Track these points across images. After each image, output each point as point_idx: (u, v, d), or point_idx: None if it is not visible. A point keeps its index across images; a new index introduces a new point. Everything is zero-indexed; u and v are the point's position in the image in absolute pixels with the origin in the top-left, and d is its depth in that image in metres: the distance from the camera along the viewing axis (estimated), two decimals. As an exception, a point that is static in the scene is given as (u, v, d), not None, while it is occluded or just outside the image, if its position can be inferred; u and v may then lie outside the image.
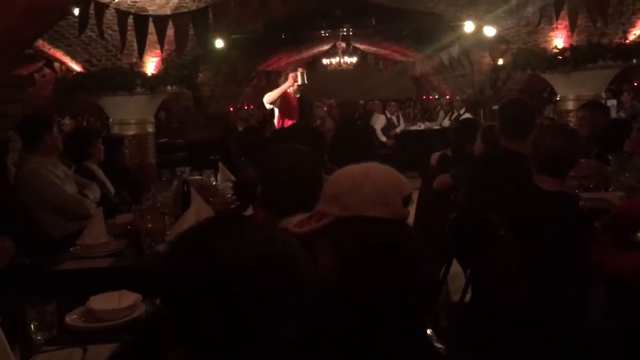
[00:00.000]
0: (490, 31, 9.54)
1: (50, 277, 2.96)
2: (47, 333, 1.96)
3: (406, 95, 14.37)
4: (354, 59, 13.02)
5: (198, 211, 3.21)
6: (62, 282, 2.92)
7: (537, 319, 2.33)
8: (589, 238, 2.34)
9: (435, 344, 1.31)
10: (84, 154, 4.17)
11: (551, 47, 7.28)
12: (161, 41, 5.60)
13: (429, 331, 1.33)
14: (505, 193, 2.73)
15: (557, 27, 7.03)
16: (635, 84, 13.03)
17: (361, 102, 13.92)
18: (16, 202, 3.34)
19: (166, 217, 3.37)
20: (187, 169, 4.37)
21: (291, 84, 6.58)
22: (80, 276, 2.95)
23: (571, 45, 7.10)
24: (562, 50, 7.14)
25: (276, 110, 7.91)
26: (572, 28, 6.43)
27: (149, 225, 3.12)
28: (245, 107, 11.95)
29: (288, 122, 6.77)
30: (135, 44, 5.89)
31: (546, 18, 7.13)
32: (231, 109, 11.61)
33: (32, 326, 1.93)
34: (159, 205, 3.37)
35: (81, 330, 1.99)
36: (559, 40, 7.24)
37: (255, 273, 0.77)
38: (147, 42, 5.85)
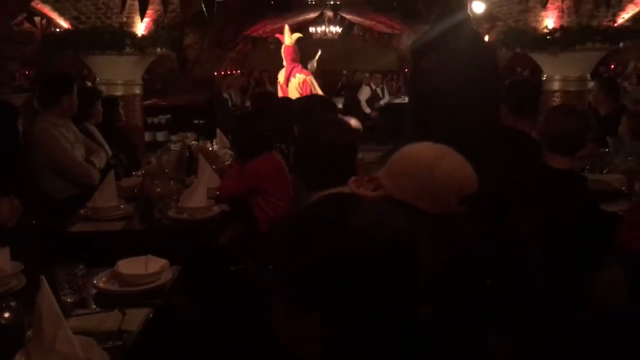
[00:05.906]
0: (479, 7, 9.55)
1: (58, 239, 2.94)
2: (77, 295, 1.97)
3: (390, 68, 14.33)
4: (340, 29, 12.90)
5: (209, 178, 3.21)
6: (70, 244, 2.90)
7: (544, 294, 2.41)
8: (596, 218, 2.42)
9: None
10: (85, 115, 4.06)
11: (542, 27, 7.34)
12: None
13: None
14: (515, 171, 2.78)
15: (548, 8, 7.09)
16: (612, 67, 13.23)
17: (344, 72, 13.85)
18: (24, 163, 3.27)
19: (171, 181, 3.39)
20: (190, 134, 4.34)
21: None
22: (89, 239, 2.94)
23: (561, 26, 7.17)
24: (553, 31, 7.20)
25: None
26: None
27: (158, 190, 3.12)
28: (229, 72, 11.79)
29: None
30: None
31: (538, -2, 7.19)
32: (216, 74, 11.45)
33: (62, 289, 1.94)
34: (167, 170, 3.36)
35: (114, 293, 1.99)
36: (549, 20, 7.30)
37: (388, 247, 0.81)
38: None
